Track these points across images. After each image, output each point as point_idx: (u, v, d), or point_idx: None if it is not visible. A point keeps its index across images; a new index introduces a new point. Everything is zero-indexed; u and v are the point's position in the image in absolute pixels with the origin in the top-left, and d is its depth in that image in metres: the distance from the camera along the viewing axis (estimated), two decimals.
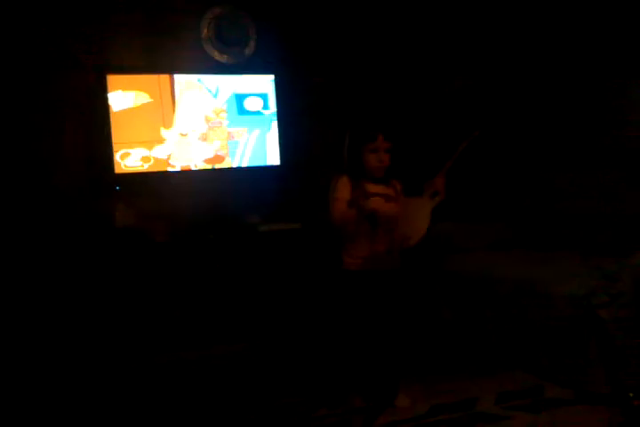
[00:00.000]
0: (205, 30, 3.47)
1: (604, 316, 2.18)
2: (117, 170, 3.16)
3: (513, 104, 3.60)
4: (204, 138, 3.37)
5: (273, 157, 3.51)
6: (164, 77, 3.27)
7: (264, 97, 3.49)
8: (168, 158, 3.29)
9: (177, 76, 3.30)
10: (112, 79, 3.16)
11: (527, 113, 3.53)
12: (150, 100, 3.24)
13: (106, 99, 3.15)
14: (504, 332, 2.61)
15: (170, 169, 3.30)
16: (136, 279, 3.04)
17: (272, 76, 3.50)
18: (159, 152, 3.27)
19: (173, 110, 3.29)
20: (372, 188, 2.09)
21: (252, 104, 3.47)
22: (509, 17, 3.57)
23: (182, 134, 3.32)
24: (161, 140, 3.27)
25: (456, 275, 2.90)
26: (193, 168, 3.35)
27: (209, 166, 3.38)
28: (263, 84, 3.49)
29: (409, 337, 2.22)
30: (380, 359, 2.13)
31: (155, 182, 3.26)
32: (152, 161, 3.25)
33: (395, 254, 2.13)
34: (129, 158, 3.20)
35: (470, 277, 2.82)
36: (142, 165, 3.23)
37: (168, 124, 3.28)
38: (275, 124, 3.50)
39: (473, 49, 3.75)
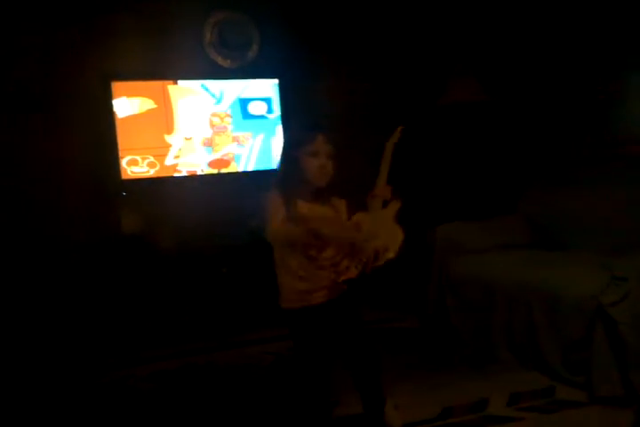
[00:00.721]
0: (208, 35, 3.48)
1: (615, 315, 2.17)
2: (124, 176, 3.18)
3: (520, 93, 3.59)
4: (210, 143, 3.38)
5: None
6: (168, 83, 3.29)
7: (268, 101, 3.50)
8: (174, 164, 3.30)
9: (180, 82, 3.32)
10: (117, 86, 3.18)
11: (536, 101, 3.49)
12: (155, 106, 3.26)
13: (111, 105, 3.17)
14: (514, 333, 2.60)
15: (176, 174, 3.31)
16: (139, 284, 3.06)
17: (276, 80, 3.51)
18: (165, 158, 3.28)
19: (177, 116, 3.30)
20: (305, 207, 1.69)
21: (257, 108, 3.48)
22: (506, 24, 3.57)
23: (187, 139, 3.34)
24: (166, 146, 3.28)
25: (463, 277, 2.88)
26: (199, 173, 3.36)
27: (215, 171, 3.39)
28: (267, 89, 3.50)
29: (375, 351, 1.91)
30: (356, 376, 1.89)
31: (161, 188, 3.27)
32: (158, 166, 3.26)
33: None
34: (135, 164, 3.22)
35: (477, 279, 2.80)
36: (148, 171, 3.24)
37: (173, 129, 3.30)
38: (279, 128, 3.51)
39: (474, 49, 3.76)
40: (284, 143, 1.86)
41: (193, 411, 2.32)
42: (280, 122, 3.50)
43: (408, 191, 3.75)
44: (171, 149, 3.29)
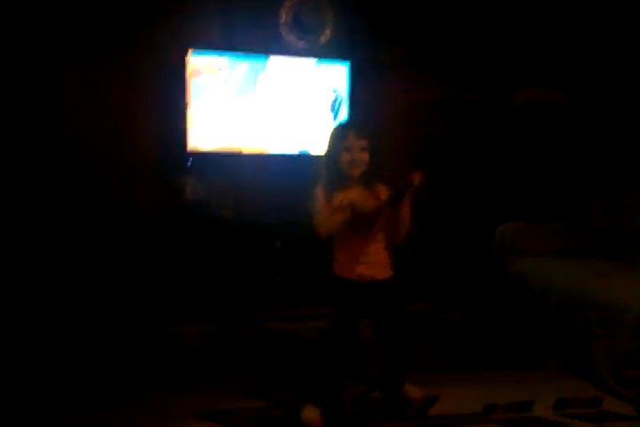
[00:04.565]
0: (284, 15, 3.50)
1: None
2: (190, 148, 3.24)
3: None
4: (279, 123, 3.40)
5: None
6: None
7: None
8: (243, 140, 3.33)
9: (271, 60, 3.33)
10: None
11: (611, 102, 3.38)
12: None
13: (184, 74, 3.22)
14: (565, 340, 2.54)
15: (244, 151, 3.34)
16: (199, 249, 3.16)
17: (347, 64, 3.50)
18: (235, 133, 3.32)
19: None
20: (344, 192, 1.91)
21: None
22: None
23: (259, 119, 3.36)
24: (238, 122, 3.31)
25: (519, 278, 2.84)
26: (265, 152, 3.39)
27: (279, 152, 3.40)
28: (336, 73, 3.48)
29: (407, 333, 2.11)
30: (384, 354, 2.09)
31: (226, 163, 3.33)
32: (227, 141, 3.31)
33: (386, 261, 2.02)
34: (204, 136, 3.27)
35: (534, 282, 2.75)
36: (216, 145, 3.29)
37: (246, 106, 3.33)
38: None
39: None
40: (328, 139, 2.01)
41: (229, 369, 2.42)
42: (347, 105, 3.50)
43: (475, 189, 3.68)
44: (243, 125, 3.32)
